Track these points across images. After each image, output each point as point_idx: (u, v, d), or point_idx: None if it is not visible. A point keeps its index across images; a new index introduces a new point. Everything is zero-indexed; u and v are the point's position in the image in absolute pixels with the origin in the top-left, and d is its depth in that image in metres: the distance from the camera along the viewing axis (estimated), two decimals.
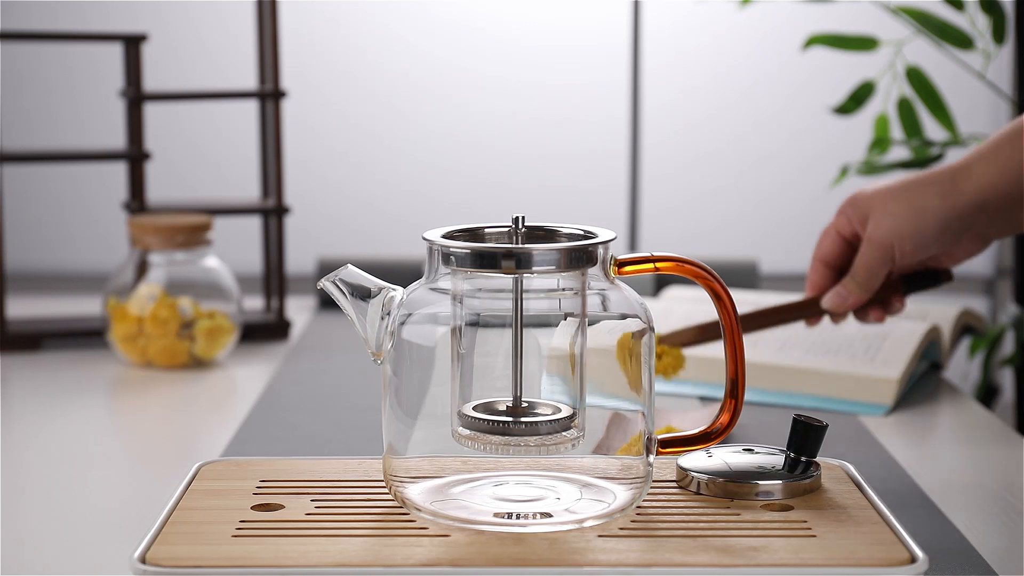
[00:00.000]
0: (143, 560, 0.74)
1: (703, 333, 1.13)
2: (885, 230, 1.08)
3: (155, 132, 1.78)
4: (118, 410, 1.30)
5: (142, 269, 1.39)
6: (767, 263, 2.00)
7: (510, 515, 0.78)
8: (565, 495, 0.81)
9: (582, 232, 0.81)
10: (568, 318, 0.80)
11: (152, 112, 1.85)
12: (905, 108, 1.63)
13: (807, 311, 1.14)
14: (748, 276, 1.68)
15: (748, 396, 1.20)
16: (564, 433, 0.79)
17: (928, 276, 1.13)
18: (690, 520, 0.80)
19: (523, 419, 0.79)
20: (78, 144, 2.03)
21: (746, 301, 1.38)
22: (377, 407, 0.84)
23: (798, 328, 1.29)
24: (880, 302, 1.12)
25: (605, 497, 0.80)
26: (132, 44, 1.45)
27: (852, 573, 0.73)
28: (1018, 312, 1.73)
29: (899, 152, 1.82)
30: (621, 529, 0.78)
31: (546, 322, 0.80)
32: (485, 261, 0.78)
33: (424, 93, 2.11)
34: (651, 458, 0.81)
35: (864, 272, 1.09)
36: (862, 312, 1.12)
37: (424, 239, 0.80)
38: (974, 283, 2.12)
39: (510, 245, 0.80)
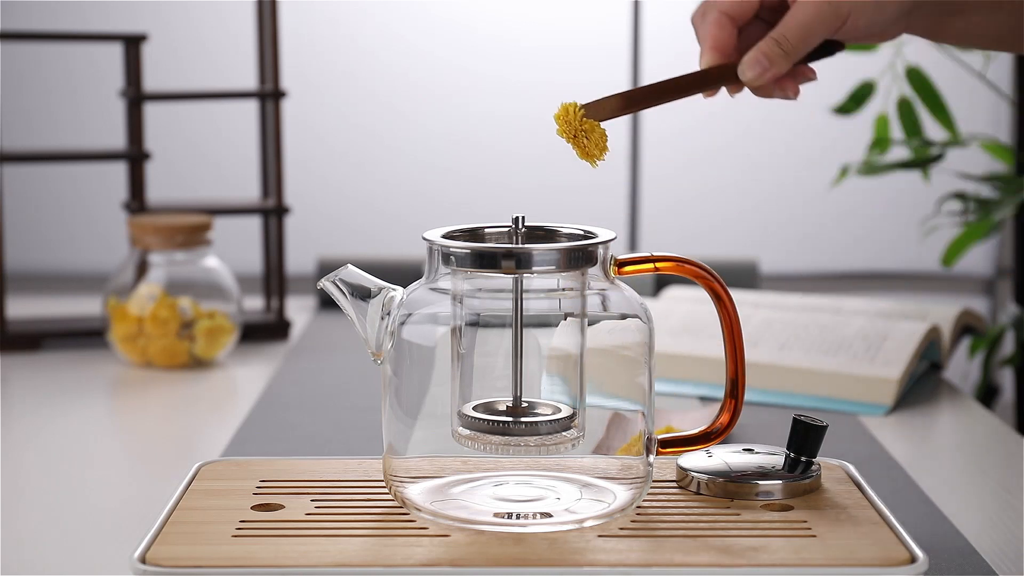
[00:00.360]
0: (143, 560, 0.74)
1: (628, 101, 0.91)
2: None
3: (155, 132, 1.77)
4: (118, 410, 1.30)
5: (142, 269, 1.39)
6: (767, 263, 2.00)
7: (510, 515, 0.78)
8: (565, 495, 0.81)
9: (582, 232, 0.81)
10: (568, 318, 0.80)
11: (152, 112, 1.85)
12: (905, 108, 1.63)
13: (720, 80, 0.91)
14: (748, 276, 1.68)
15: (748, 396, 1.20)
16: (564, 433, 0.79)
17: (827, 45, 0.92)
18: (690, 520, 0.80)
19: (523, 419, 0.79)
20: (78, 144, 2.02)
21: (746, 301, 1.38)
22: (377, 407, 0.84)
23: (798, 328, 1.29)
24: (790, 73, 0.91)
25: (605, 497, 0.80)
26: (132, 44, 1.45)
27: (852, 573, 0.73)
28: (1018, 312, 1.73)
29: (899, 152, 1.82)
30: (621, 529, 0.78)
31: (546, 322, 0.80)
32: (485, 261, 0.78)
33: (424, 93, 2.11)
34: (651, 458, 0.81)
35: (799, 37, 0.88)
36: (779, 84, 0.90)
37: (424, 239, 0.80)
38: (974, 283, 2.12)
39: (510, 245, 0.80)
